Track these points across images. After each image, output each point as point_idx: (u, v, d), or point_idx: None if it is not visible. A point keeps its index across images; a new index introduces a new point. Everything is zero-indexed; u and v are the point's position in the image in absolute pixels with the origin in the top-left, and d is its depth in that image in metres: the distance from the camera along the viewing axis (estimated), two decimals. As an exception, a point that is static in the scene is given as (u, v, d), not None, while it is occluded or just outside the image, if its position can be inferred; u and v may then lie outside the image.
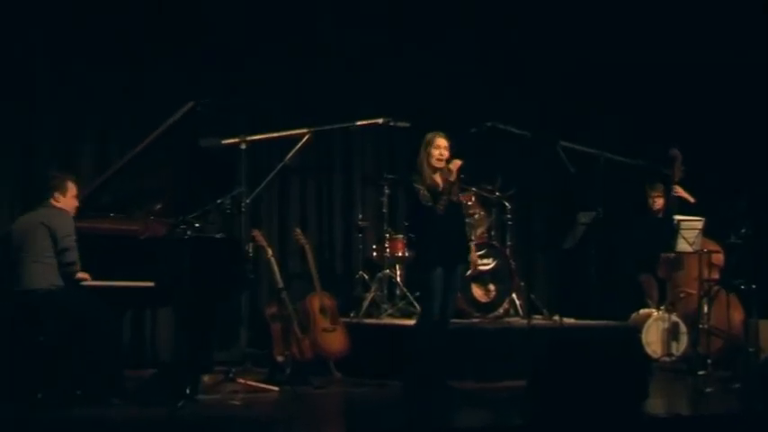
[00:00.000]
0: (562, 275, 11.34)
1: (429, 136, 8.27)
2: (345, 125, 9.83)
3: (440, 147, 8.23)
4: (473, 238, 9.80)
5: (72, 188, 7.81)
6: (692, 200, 10.00)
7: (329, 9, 10.76)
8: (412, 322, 8.76)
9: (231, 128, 9.16)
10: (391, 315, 9.80)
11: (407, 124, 9.72)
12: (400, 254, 9.98)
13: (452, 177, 8.24)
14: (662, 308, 9.91)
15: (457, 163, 8.22)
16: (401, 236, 9.99)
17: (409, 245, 9.71)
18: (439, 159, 8.22)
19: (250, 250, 9.05)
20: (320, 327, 9.10)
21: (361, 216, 10.45)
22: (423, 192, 8.18)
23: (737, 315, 9.71)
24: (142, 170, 8.13)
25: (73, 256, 7.58)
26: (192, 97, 8.07)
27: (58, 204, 7.73)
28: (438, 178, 8.26)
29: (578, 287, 10.60)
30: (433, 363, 8.21)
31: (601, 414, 7.23)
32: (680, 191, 9.98)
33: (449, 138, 8.27)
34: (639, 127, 11.25)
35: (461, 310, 9.47)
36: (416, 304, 9.56)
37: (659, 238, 9.68)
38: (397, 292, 10.00)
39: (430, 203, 8.17)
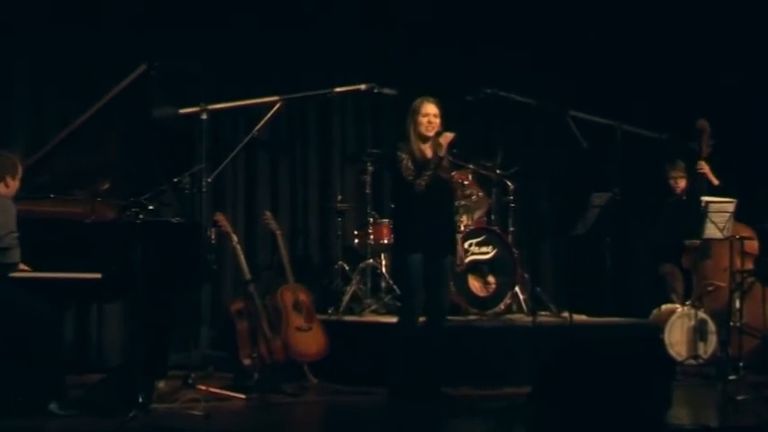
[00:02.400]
0: (572, 266, 11.36)
1: (417, 102, 8.28)
2: (323, 92, 9.82)
3: (428, 114, 8.23)
4: (469, 223, 9.81)
5: (20, 170, 7.71)
6: (716, 182, 10.00)
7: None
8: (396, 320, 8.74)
9: (190, 95, 9.14)
10: (375, 311, 9.83)
11: (394, 91, 9.71)
12: (385, 241, 9.96)
13: (441, 152, 8.24)
14: (687, 303, 9.93)
15: (448, 136, 8.21)
16: (387, 220, 9.96)
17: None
18: (427, 128, 8.22)
19: (212, 237, 9.04)
20: (293, 325, 9.10)
21: (340, 197, 10.44)
22: (406, 163, 8.17)
23: (774, 311, 9.78)
24: (87, 144, 8.07)
25: (15, 256, 7.47)
26: (145, 59, 8.00)
27: (6, 191, 7.61)
28: (428, 150, 8.25)
29: (591, 279, 10.62)
30: (423, 366, 8.22)
31: (616, 425, 7.23)
32: (705, 168, 9.97)
33: (440, 104, 8.26)
34: (662, 95, 11.25)
35: (456, 305, 9.46)
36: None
37: (684, 222, 9.71)
38: (382, 284, 10.01)
39: (411, 177, 8.16)
